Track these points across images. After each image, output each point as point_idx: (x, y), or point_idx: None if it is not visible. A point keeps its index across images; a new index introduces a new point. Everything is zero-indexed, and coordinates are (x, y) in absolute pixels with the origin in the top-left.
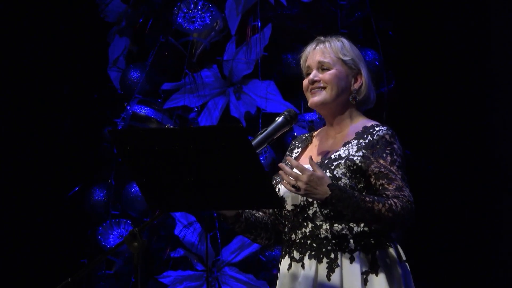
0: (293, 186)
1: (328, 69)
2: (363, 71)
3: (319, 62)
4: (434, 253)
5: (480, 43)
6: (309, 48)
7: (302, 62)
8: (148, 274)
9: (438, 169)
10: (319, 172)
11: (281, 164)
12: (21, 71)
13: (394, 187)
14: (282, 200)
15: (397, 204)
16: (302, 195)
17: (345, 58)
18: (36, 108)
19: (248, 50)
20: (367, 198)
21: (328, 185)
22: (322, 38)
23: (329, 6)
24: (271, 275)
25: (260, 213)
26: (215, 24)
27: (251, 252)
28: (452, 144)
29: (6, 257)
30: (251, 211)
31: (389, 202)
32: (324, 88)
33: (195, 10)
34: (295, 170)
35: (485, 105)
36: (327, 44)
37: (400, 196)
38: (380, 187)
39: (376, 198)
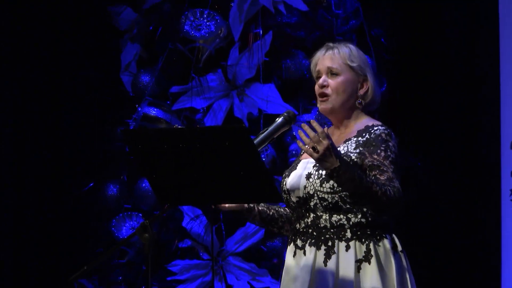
0: (313, 148)
1: (337, 74)
2: (370, 77)
3: (328, 67)
4: (422, 244)
5: (466, 49)
6: (319, 54)
7: (312, 66)
8: (158, 263)
9: (426, 165)
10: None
11: (305, 125)
12: (43, 76)
13: (385, 177)
14: (288, 192)
15: (390, 191)
16: (315, 159)
17: (353, 65)
18: (56, 110)
19: (250, 56)
20: (368, 178)
21: (338, 157)
22: (331, 44)
23: (325, 15)
24: (272, 264)
25: (282, 208)
26: (219, 31)
27: (253, 243)
28: (440, 142)
29: (28, 247)
30: (271, 206)
31: (385, 187)
32: (328, 95)
33: (201, 19)
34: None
35: (470, 106)
36: (335, 51)
37: (390, 186)
38: (373, 178)
39: (374, 180)
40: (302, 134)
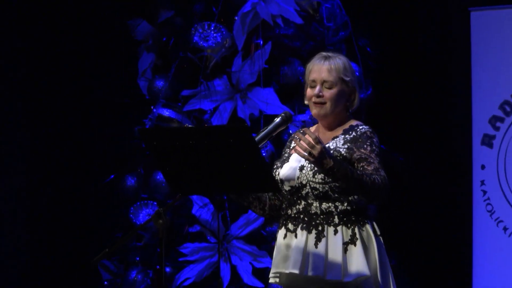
0: (309, 153)
1: (331, 87)
2: (356, 87)
3: (324, 80)
4: (402, 230)
5: (441, 57)
6: (316, 63)
7: (307, 72)
8: (170, 246)
9: (407, 160)
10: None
11: (299, 134)
12: (70, 81)
13: (372, 168)
14: (281, 182)
15: (378, 179)
16: (311, 162)
17: (346, 79)
18: (83, 112)
19: (252, 63)
20: (358, 172)
21: (332, 158)
22: (324, 53)
23: (318, 27)
24: (271, 246)
25: None
26: (225, 42)
27: (255, 228)
28: (419, 140)
29: (57, 232)
30: None
31: (373, 177)
32: (325, 103)
33: (209, 31)
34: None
35: (445, 107)
36: (332, 63)
37: (377, 175)
38: (361, 168)
39: (364, 172)
40: (298, 143)
